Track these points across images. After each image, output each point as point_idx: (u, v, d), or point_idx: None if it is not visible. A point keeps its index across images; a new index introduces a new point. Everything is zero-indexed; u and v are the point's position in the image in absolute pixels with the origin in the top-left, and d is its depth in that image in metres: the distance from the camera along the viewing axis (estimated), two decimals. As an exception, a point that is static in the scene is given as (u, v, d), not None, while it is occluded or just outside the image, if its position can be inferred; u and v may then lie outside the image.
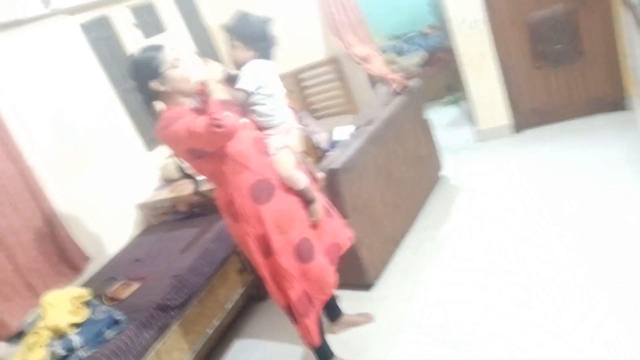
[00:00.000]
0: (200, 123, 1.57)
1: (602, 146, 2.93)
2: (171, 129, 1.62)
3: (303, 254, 1.82)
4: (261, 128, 1.86)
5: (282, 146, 1.83)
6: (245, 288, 2.69)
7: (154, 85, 1.66)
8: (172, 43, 1.91)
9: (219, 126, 1.53)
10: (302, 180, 1.84)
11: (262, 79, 1.80)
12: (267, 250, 1.80)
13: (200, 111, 1.70)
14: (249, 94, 1.78)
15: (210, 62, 1.75)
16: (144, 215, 3.11)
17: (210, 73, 1.71)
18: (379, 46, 3.89)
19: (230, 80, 1.81)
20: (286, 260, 1.81)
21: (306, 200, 1.87)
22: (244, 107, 1.81)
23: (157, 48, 1.67)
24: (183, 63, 1.68)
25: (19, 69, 2.60)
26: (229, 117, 1.56)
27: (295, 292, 1.84)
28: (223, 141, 1.63)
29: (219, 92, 1.65)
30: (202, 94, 1.78)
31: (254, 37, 1.77)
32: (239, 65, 1.83)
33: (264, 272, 1.86)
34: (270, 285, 1.88)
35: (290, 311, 1.91)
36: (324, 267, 1.88)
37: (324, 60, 3.95)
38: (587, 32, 3.09)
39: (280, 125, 1.87)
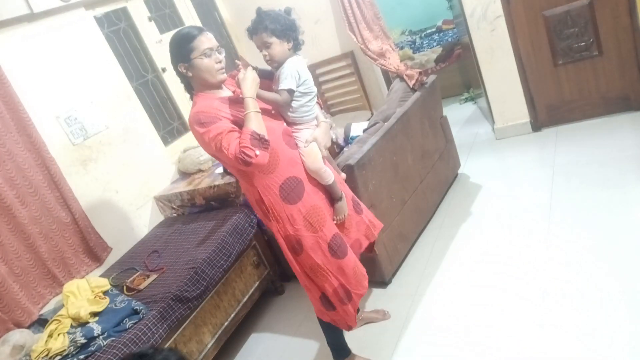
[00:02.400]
0: (231, 146, 1.54)
1: (621, 146, 2.88)
2: (204, 130, 1.59)
3: (337, 249, 1.81)
4: (290, 123, 1.84)
5: (312, 139, 1.81)
6: (261, 281, 2.72)
7: (181, 68, 1.67)
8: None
9: (246, 162, 1.54)
10: (329, 175, 1.83)
11: (302, 75, 1.78)
12: (297, 249, 1.79)
13: (232, 101, 1.70)
14: (294, 92, 1.76)
15: (246, 69, 1.67)
16: (162, 207, 3.16)
17: (247, 87, 1.62)
18: (394, 42, 3.87)
19: (262, 75, 1.78)
20: (320, 257, 1.79)
21: (332, 198, 1.86)
22: (282, 106, 1.79)
23: (197, 31, 1.63)
24: (215, 56, 1.65)
25: (35, 63, 2.63)
26: (259, 156, 1.54)
27: (330, 285, 1.83)
28: (247, 170, 1.63)
29: (254, 120, 1.58)
30: (231, 84, 1.78)
31: (286, 27, 1.73)
32: (277, 62, 1.78)
33: (296, 267, 1.85)
34: (304, 279, 1.87)
35: (325, 299, 1.88)
36: (356, 261, 1.88)
37: (339, 56, 3.94)
38: (606, 28, 3.03)
39: (311, 122, 1.86)
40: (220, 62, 1.67)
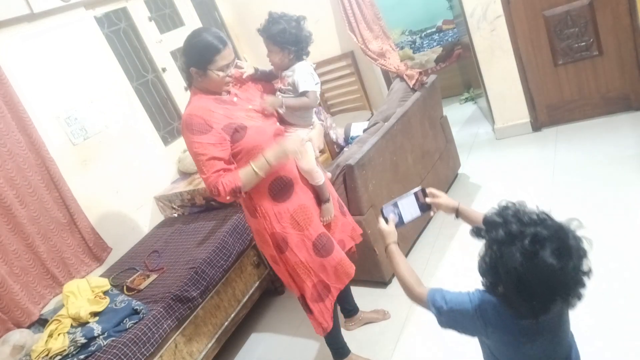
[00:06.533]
0: (210, 176, 1.61)
1: (621, 146, 2.88)
2: (191, 139, 1.63)
3: (321, 248, 1.83)
4: (289, 124, 1.87)
5: (307, 139, 1.84)
6: (261, 281, 2.72)
7: (193, 72, 1.66)
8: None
9: (213, 195, 1.65)
10: (320, 176, 1.85)
11: (315, 78, 1.84)
12: (282, 246, 1.82)
13: (227, 102, 1.73)
14: (315, 93, 1.81)
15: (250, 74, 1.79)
16: (162, 207, 3.16)
17: (274, 154, 1.66)
18: (394, 42, 3.87)
19: (262, 75, 1.85)
20: (303, 255, 1.82)
21: (320, 199, 1.88)
22: (313, 107, 1.83)
23: (222, 45, 1.62)
24: (229, 71, 1.66)
25: (35, 63, 2.63)
26: (227, 199, 1.64)
27: (311, 281, 1.86)
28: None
29: (249, 176, 1.65)
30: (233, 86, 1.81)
31: (288, 42, 1.76)
32: (277, 66, 1.85)
33: (279, 267, 1.88)
34: (286, 278, 1.91)
35: (303, 302, 1.93)
36: (342, 258, 1.90)
37: (339, 56, 3.94)
38: (606, 28, 3.03)
39: (310, 125, 1.90)
40: (231, 76, 1.69)
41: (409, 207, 1.32)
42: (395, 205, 1.31)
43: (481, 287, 1.03)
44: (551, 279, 0.87)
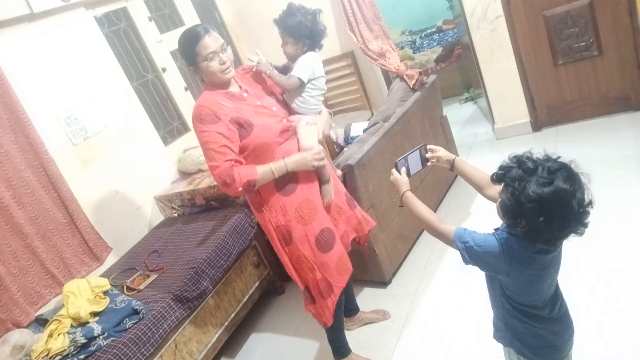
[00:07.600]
0: (221, 165, 1.64)
1: (621, 146, 2.88)
2: (200, 128, 1.66)
3: (323, 243, 1.86)
4: (297, 113, 1.92)
5: (313, 122, 1.90)
6: (261, 281, 2.72)
7: (190, 70, 1.73)
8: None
9: (224, 186, 1.68)
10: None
11: (317, 72, 1.89)
12: (287, 239, 1.85)
13: (236, 97, 1.75)
14: (302, 83, 1.86)
15: (261, 61, 1.84)
16: (162, 207, 3.16)
17: (294, 161, 1.77)
18: (394, 42, 3.87)
19: (277, 70, 1.89)
20: (307, 250, 1.85)
21: (321, 181, 1.91)
22: (292, 92, 1.88)
23: (203, 32, 1.64)
24: (219, 57, 1.67)
25: (34, 63, 2.62)
26: (237, 191, 1.68)
27: (314, 277, 1.89)
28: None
29: (266, 173, 1.72)
30: (240, 78, 1.84)
31: (303, 34, 1.83)
32: (290, 57, 1.91)
33: (284, 257, 1.92)
34: (290, 269, 1.94)
35: (307, 292, 1.96)
36: (342, 253, 1.93)
37: (339, 56, 3.94)
38: (606, 28, 3.03)
39: (317, 114, 1.96)
40: (224, 62, 1.69)
41: (415, 162, 1.49)
42: (406, 159, 1.46)
43: (495, 235, 1.18)
44: (566, 202, 1.01)
